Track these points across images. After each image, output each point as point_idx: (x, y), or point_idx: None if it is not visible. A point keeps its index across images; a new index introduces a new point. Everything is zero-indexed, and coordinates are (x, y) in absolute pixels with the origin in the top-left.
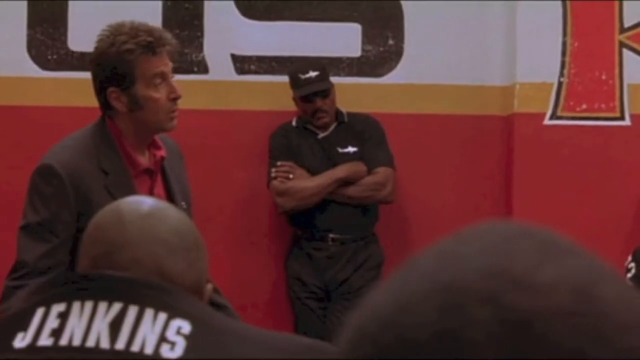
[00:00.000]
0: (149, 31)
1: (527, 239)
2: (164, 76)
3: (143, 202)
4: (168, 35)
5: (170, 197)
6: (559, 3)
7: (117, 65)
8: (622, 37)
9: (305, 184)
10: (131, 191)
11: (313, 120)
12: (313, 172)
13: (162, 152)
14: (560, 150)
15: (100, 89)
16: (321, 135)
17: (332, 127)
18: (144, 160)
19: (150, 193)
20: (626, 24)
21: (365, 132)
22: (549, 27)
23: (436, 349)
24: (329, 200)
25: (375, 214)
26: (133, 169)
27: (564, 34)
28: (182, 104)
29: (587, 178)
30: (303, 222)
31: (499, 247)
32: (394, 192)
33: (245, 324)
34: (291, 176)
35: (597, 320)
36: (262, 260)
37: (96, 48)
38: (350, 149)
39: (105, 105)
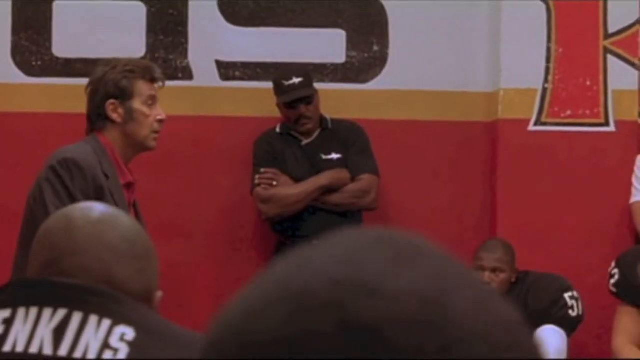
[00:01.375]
0: (146, 63)
1: (382, 247)
2: (154, 100)
3: (94, 209)
4: (159, 70)
5: (138, 219)
6: (544, 9)
7: (120, 80)
8: (606, 43)
9: (288, 191)
10: (122, 198)
11: (297, 126)
12: (297, 179)
13: (136, 178)
14: (544, 157)
15: (100, 102)
16: (305, 141)
17: (316, 134)
18: (128, 173)
19: (129, 206)
20: (611, 30)
21: (350, 138)
22: (534, 33)
23: (277, 357)
24: (312, 207)
25: (359, 220)
26: (122, 179)
27: (549, 40)
28: (166, 110)
29: (572, 184)
30: (287, 229)
31: (352, 255)
32: (378, 199)
33: (192, 332)
34: (275, 183)
35: (442, 329)
36: (246, 267)
37: (96, 73)
38: (334, 156)
39: (100, 118)
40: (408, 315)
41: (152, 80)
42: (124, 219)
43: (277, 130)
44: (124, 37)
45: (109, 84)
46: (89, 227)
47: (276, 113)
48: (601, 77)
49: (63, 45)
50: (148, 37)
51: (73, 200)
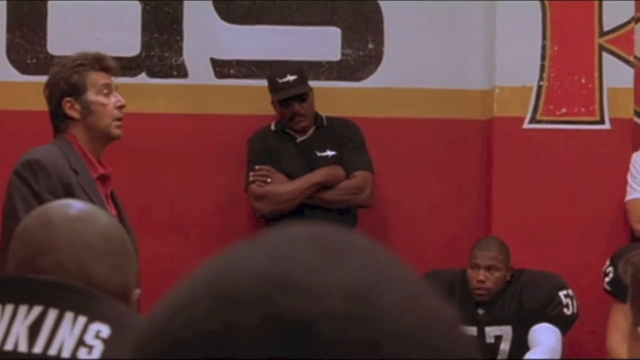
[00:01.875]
0: (97, 53)
1: (313, 243)
2: (110, 88)
3: (71, 206)
4: (110, 58)
5: (117, 209)
6: (539, 7)
7: (70, 77)
8: (601, 41)
9: (282, 188)
10: (96, 191)
11: (291, 124)
12: (291, 176)
13: (110, 170)
14: (539, 155)
15: (57, 102)
16: (300, 139)
17: (310, 131)
18: (100, 166)
19: (106, 198)
20: (606, 28)
21: (344, 136)
22: (529, 30)
23: (199, 354)
24: (307, 204)
25: (354, 217)
26: (93, 172)
27: (544, 38)
28: (161, 108)
29: (567, 182)
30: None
31: (281, 252)
32: (373, 196)
33: None
34: (269, 180)
35: (369, 325)
36: None
37: (50, 74)
38: (329, 153)
39: (61, 118)
40: (333, 311)
41: (103, 69)
42: (101, 216)
43: (272, 127)
44: (119, 35)
45: (61, 82)
46: (65, 224)
47: (271, 111)
48: (596, 75)
49: (58, 43)
50: (143, 35)
51: (40, 201)
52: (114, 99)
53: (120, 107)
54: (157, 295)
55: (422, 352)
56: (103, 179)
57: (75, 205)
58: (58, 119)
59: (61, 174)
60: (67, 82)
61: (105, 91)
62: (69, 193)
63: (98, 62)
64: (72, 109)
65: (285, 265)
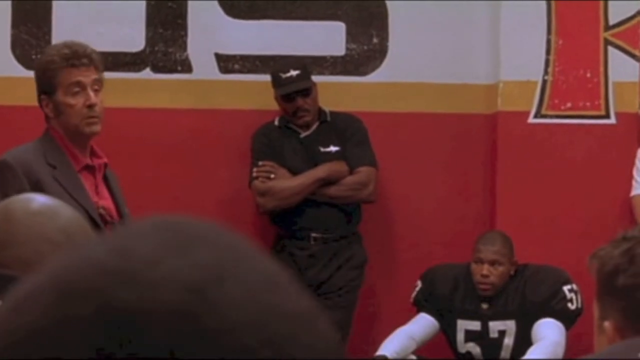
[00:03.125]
0: (72, 47)
1: (156, 234)
2: (81, 85)
3: (33, 200)
4: (89, 50)
5: (114, 198)
6: (544, 1)
7: (43, 74)
8: (607, 35)
9: (286, 183)
10: (78, 183)
11: (294, 119)
12: (295, 171)
13: (104, 160)
14: (544, 149)
15: (38, 98)
16: (303, 134)
17: (314, 127)
18: (84, 157)
19: (95, 189)
20: (611, 22)
21: (347, 131)
22: (533, 24)
23: (35, 348)
24: (311, 199)
25: (358, 213)
26: (76, 165)
27: (549, 32)
28: (166, 103)
29: (572, 177)
30: (285, 222)
31: (124, 244)
32: (376, 192)
33: None
34: (272, 176)
35: (202, 319)
36: None
37: (35, 64)
38: (332, 148)
39: (44, 112)
40: (167, 304)
41: (74, 65)
42: (63, 211)
43: (276, 123)
44: (124, 30)
45: (38, 79)
46: (26, 219)
47: (275, 106)
48: (602, 69)
49: (62, 38)
50: (147, 30)
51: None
52: (83, 99)
53: (91, 106)
54: None
55: (258, 349)
56: (90, 169)
57: (37, 200)
58: (43, 113)
59: (29, 171)
60: (40, 79)
61: (75, 89)
62: (38, 189)
63: (67, 60)
64: (46, 107)
65: (125, 257)
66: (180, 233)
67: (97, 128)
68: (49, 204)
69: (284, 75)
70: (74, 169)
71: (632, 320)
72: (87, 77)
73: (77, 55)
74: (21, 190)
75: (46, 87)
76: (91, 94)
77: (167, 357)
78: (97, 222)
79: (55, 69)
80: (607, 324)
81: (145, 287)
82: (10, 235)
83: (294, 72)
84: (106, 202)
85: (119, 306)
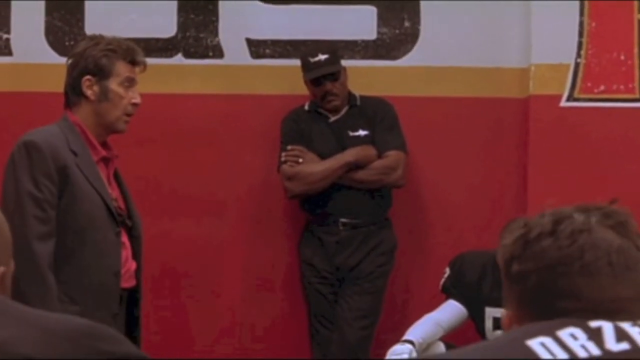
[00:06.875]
0: (134, 47)
1: None
2: (132, 82)
3: None
4: (142, 53)
5: (122, 190)
6: None
7: (100, 58)
8: None
9: (313, 168)
10: (96, 172)
11: (323, 103)
12: (324, 156)
13: (114, 153)
14: (577, 133)
15: (77, 77)
16: (332, 118)
17: (343, 111)
18: (101, 149)
19: (108, 179)
20: None
21: (377, 115)
22: (566, 7)
23: None
24: (340, 184)
25: (389, 199)
26: (95, 155)
27: (581, 14)
28: (197, 89)
29: (605, 161)
30: (314, 207)
31: None
32: (405, 176)
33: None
34: (300, 160)
35: None
36: (277, 244)
37: (79, 46)
38: (361, 133)
39: (77, 92)
40: None
41: (133, 62)
42: None
43: (306, 107)
44: (155, 16)
45: (88, 59)
46: None
47: (306, 91)
48: (636, 51)
49: (95, 25)
50: (179, 15)
51: (36, 182)
52: (131, 95)
53: (135, 105)
54: (193, 275)
55: None
56: (106, 160)
57: None
58: (73, 92)
59: (56, 156)
60: (95, 61)
61: (127, 84)
62: (63, 175)
63: (129, 54)
64: (89, 89)
65: None
66: None
67: (126, 128)
68: None
69: (312, 60)
70: (92, 158)
71: (526, 307)
72: (137, 76)
73: (139, 55)
74: (47, 174)
75: (97, 69)
76: (138, 94)
77: None
78: (114, 212)
79: (114, 57)
80: (504, 312)
81: None
82: None
83: (322, 57)
84: (116, 194)
85: None
